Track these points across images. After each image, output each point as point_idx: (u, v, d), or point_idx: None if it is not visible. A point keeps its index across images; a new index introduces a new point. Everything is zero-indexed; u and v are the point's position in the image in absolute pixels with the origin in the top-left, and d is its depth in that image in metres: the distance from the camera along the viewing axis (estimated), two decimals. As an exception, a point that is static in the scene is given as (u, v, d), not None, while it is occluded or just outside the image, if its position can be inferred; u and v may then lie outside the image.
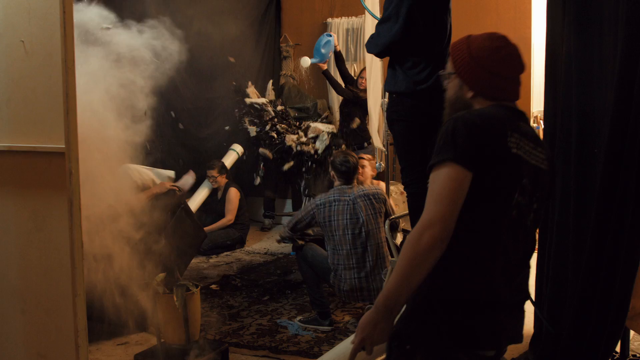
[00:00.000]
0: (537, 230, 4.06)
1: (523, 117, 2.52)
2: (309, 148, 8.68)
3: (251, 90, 9.01)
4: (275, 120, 8.82)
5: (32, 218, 3.41)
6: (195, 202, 8.33)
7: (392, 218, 5.16)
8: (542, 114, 4.48)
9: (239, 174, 9.05)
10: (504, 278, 2.38)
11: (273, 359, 4.77)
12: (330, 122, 9.01)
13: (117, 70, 6.62)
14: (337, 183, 5.55)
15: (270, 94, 9.23)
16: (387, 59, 4.55)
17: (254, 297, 6.18)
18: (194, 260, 7.58)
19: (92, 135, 4.98)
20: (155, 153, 7.72)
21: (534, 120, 7.98)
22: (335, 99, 9.10)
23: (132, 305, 4.90)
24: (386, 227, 4.91)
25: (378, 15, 6.25)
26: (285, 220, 9.33)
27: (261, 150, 8.90)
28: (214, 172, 8.28)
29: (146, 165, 6.84)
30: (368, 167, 6.68)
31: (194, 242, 5.97)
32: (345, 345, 4.03)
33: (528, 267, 2.53)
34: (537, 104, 7.85)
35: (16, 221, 3.49)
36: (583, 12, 3.87)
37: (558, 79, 4.14)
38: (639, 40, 3.37)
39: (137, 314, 5.05)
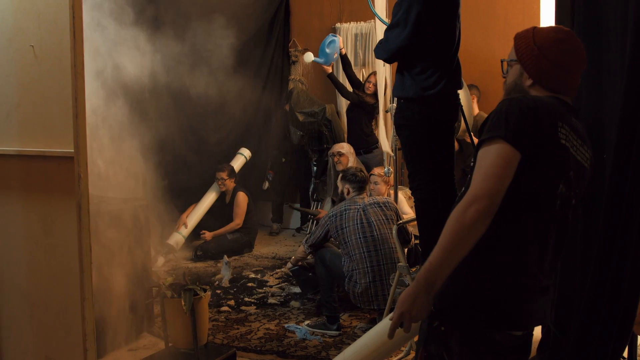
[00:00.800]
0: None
1: (575, 113, 2.54)
2: None
3: None
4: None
5: (41, 222, 3.43)
6: (203, 206, 8.35)
7: (400, 223, 5.19)
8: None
9: (247, 179, 9.06)
10: (539, 263, 2.42)
11: (280, 364, 4.79)
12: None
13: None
14: (348, 197, 5.70)
15: None
16: (395, 64, 4.55)
17: (262, 302, 6.19)
18: (201, 264, 7.61)
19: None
20: (165, 156, 7.76)
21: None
22: (344, 104, 9.10)
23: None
24: (394, 232, 4.94)
25: (386, 20, 6.26)
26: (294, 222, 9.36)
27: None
28: (224, 175, 8.28)
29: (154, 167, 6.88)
30: (381, 184, 6.69)
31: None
32: (386, 322, 4.02)
33: (561, 253, 2.55)
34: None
35: (25, 225, 3.50)
36: (591, 17, 3.87)
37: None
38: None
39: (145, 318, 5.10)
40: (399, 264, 4.76)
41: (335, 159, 7.91)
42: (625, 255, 3.52)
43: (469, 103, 7.57)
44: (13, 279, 3.56)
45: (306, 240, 5.76)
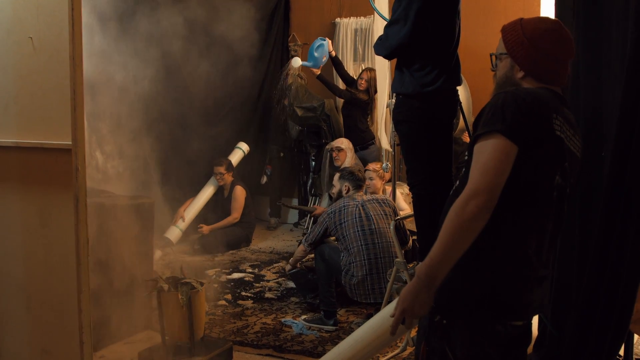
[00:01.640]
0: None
1: (566, 102, 2.56)
2: None
3: None
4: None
5: (38, 214, 3.42)
6: (200, 200, 8.34)
7: (397, 218, 5.21)
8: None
9: (245, 173, 9.06)
10: (538, 254, 2.44)
11: (277, 358, 4.78)
12: None
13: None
14: (347, 195, 5.77)
15: None
16: (394, 60, 4.55)
17: (259, 296, 6.20)
18: (199, 258, 7.61)
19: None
20: (162, 149, 7.76)
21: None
22: (341, 100, 9.11)
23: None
24: (391, 227, 4.97)
25: (386, 15, 6.25)
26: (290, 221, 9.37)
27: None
28: (222, 169, 8.28)
29: (151, 161, 6.88)
30: (376, 179, 6.72)
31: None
32: (381, 316, 4.03)
33: (557, 243, 2.57)
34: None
35: (22, 217, 3.50)
36: (592, 12, 3.86)
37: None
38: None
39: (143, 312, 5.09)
40: (397, 259, 4.76)
41: (334, 154, 7.91)
42: (622, 253, 3.52)
43: (469, 100, 7.58)
44: (10, 271, 3.56)
45: (305, 239, 5.77)
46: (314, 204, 8.89)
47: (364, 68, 8.60)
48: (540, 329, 4.36)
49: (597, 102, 3.84)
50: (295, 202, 9.66)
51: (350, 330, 5.21)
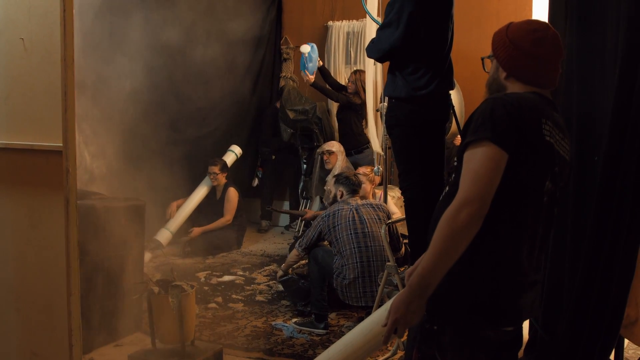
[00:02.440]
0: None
1: (554, 106, 2.56)
2: None
3: None
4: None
5: (28, 216, 3.41)
6: (192, 202, 8.31)
7: (389, 222, 5.21)
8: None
9: (237, 176, 9.05)
10: (529, 259, 2.44)
11: (267, 362, 4.78)
12: None
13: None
14: (341, 199, 5.79)
15: None
16: (386, 63, 4.55)
17: (250, 299, 6.19)
18: (189, 261, 7.59)
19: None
20: (153, 151, 7.75)
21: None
22: (335, 103, 9.12)
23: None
24: (382, 231, 4.98)
25: (378, 18, 6.25)
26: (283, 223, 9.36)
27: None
28: (216, 169, 8.26)
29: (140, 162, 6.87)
30: (366, 183, 6.73)
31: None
32: (371, 320, 4.02)
33: (548, 247, 2.57)
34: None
35: (12, 219, 3.48)
36: (585, 15, 3.87)
37: (558, 84, 4.14)
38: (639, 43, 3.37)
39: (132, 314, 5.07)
40: (388, 263, 4.77)
41: (325, 157, 7.91)
42: (613, 258, 3.53)
43: (461, 104, 7.59)
44: (-1, 273, 3.55)
45: (299, 244, 5.76)
46: (305, 206, 8.89)
47: (352, 71, 8.61)
48: (531, 333, 4.36)
49: (590, 106, 3.85)
50: (286, 204, 9.65)
51: (341, 334, 5.20)
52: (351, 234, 5.38)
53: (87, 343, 4.54)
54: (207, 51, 8.44)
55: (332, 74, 8.85)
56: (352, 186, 5.79)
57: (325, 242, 5.73)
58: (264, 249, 8.40)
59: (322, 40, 9.35)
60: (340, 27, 9.26)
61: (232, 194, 8.25)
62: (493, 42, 2.60)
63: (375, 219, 5.52)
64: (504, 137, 2.26)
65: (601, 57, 3.79)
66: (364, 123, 8.45)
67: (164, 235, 7.97)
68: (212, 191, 8.45)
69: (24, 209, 3.44)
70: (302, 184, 9.13)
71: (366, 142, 8.29)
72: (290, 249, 7.22)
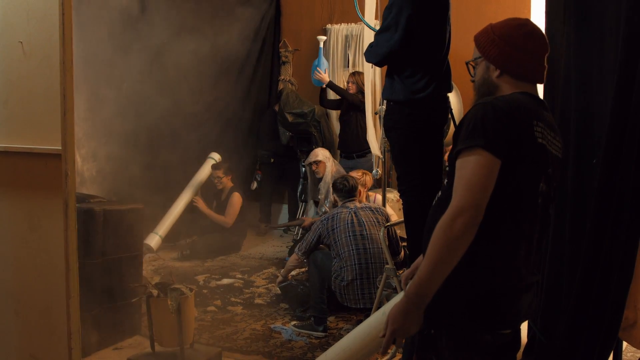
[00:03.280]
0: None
1: (544, 105, 2.56)
2: None
3: None
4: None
5: (27, 219, 3.41)
6: (179, 206, 8.28)
7: (388, 225, 5.22)
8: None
9: (235, 179, 9.06)
10: (526, 261, 2.45)
11: (266, 364, 4.78)
12: None
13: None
14: (340, 204, 5.82)
15: None
16: (384, 67, 4.55)
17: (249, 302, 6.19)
18: (188, 264, 7.59)
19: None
20: (146, 154, 7.77)
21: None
22: (333, 105, 9.14)
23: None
24: (381, 234, 4.99)
25: (376, 22, 6.25)
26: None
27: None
28: (219, 173, 8.27)
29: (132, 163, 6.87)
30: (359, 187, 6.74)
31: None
32: (368, 324, 4.02)
33: (544, 249, 2.58)
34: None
35: (11, 222, 3.48)
36: (583, 19, 3.87)
37: (556, 87, 4.14)
38: (638, 42, 3.37)
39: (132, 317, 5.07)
40: (387, 266, 4.77)
41: (314, 168, 7.91)
42: (612, 260, 3.53)
43: (460, 106, 7.59)
44: (-2, 276, 3.55)
45: (299, 248, 5.76)
46: (304, 209, 8.89)
47: (350, 72, 8.59)
48: (529, 336, 4.37)
49: (588, 107, 3.85)
50: (285, 207, 9.65)
51: (340, 337, 5.20)
52: (350, 236, 5.39)
53: (86, 346, 4.54)
54: (205, 54, 8.45)
55: (330, 77, 8.86)
56: (348, 192, 5.80)
57: (322, 246, 5.73)
58: (263, 252, 8.40)
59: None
60: (338, 30, 9.26)
61: (236, 199, 8.25)
62: (479, 43, 2.60)
63: (373, 221, 5.53)
64: (495, 144, 2.27)
65: (599, 59, 3.79)
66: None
67: (153, 240, 7.98)
68: (216, 195, 8.45)
69: (23, 212, 3.44)
70: (300, 187, 9.14)
71: (368, 145, 8.24)
72: (290, 253, 7.22)
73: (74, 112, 3.26)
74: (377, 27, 4.55)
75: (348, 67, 9.23)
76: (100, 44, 6.83)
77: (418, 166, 4.28)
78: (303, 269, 6.42)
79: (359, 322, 5.33)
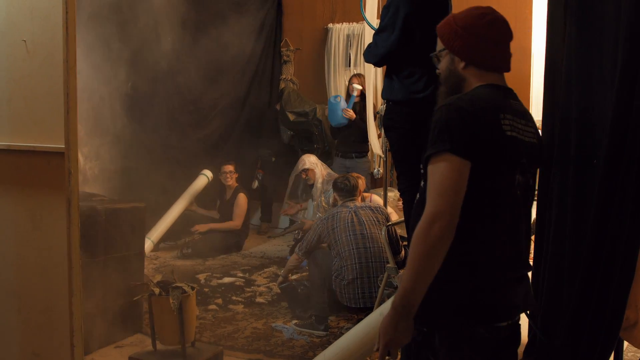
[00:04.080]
0: (533, 238, 4.07)
1: (512, 94, 2.56)
2: None
3: None
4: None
5: (30, 217, 3.42)
6: (174, 212, 8.25)
7: (389, 224, 5.22)
8: (541, 123, 4.48)
9: (237, 178, 9.07)
10: (513, 254, 2.47)
11: (267, 363, 4.78)
12: None
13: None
14: (340, 203, 5.83)
15: None
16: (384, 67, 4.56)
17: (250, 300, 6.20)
18: (189, 262, 7.59)
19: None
20: (148, 153, 7.77)
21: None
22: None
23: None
24: (383, 233, 4.99)
25: (375, 24, 6.25)
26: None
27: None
28: (231, 167, 8.28)
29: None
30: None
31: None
32: (366, 324, 4.04)
33: (529, 239, 2.59)
34: (535, 113, 7.82)
35: (14, 220, 3.49)
36: (584, 20, 3.87)
37: (557, 87, 4.14)
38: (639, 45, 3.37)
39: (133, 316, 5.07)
40: (388, 265, 4.78)
41: (304, 176, 7.91)
42: (613, 260, 3.53)
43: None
44: (1, 274, 3.55)
45: (299, 248, 5.76)
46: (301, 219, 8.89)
47: (354, 74, 8.56)
48: (530, 335, 4.37)
49: (589, 108, 3.85)
50: (285, 207, 9.65)
51: (340, 336, 5.20)
52: (350, 235, 5.39)
53: (88, 344, 4.55)
54: (207, 53, 8.46)
55: (332, 77, 8.87)
56: (347, 192, 5.81)
57: (323, 245, 5.74)
58: (264, 250, 8.41)
59: (321, 43, 9.36)
60: (340, 30, 9.26)
61: (242, 199, 8.25)
62: (442, 35, 2.58)
63: (374, 221, 5.53)
64: (463, 146, 2.27)
65: (600, 59, 3.79)
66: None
67: (145, 244, 7.96)
68: (221, 192, 8.44)
69: (26, 210, 3.45)
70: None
71: (368, 146, 8.20)
72: (291, 252, 7.22)
73: (77, 111, 3.27)
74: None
75: (349, 66, 9.23)
76: (103, 42, 6.83)
77: (417, 165, 4.29)
78: (305, 273, 6.44)
79: (360, 321, 5.35)
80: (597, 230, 3.61)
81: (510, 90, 2.57)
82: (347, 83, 8.59)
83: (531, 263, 4.31)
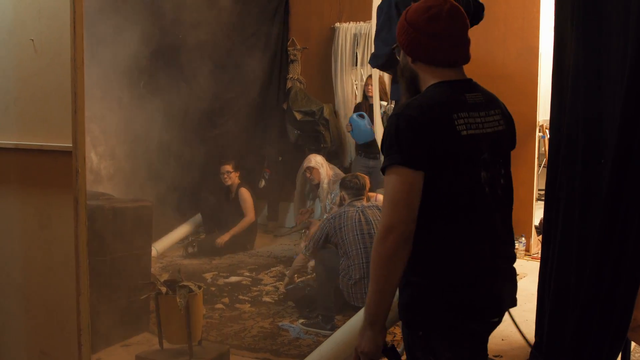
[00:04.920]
0: (540, 237, 4.07)
1: (468, 86, 2.52)
2: None
3: None
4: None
5: (37, 216, 3.43)
6: (176, 235, 8.27)
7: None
8: (548, 123, 4.48)
9: (244, 177, 9.08)
10: (495, 249, 2.48)
11: (274, 362, 4.79)
12: None
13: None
14: (345, 202, 5.83)
15: None
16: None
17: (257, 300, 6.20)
18: (196, 261, 7.60)
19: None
20: (158, 153, 7.79)
21: (539, 130, 7.97)
22: (342, 105, 9.12)
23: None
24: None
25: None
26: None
27: None
28: (229, 167, 8.24)
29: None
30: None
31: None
32: (361, 317, 4.06)
33: (511, 231, 2.61)
34: (543, 113, 7.85)
35: (21, 219, 3.50)
36: (592, 20, 3.86)
37: (565, 87, 4.13)
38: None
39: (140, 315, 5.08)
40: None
41: (308, 175, 7.88)
42: (621, 260, 3.52)
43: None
44: (9, 273, 3.56)
45: (306, 248, 5.76)
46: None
47: (369, 74, 8.52)
48: (537, 335, 4.36)
49: (596, 108, 3.84)
50: (292, 206, 9.64)
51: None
52: (357, 234, 5.39)
53: (95, 343, 4.56)
54: (216, 53, 8.46)
55: (339, 76, 8.86)
56: (354, 189, 5.80)
57: (330, 245, 5.74)
58: (271, 250, 8.41)
59: (328, 42, 9.35)
60: (347, 29, 9.25)
61: (245, 193, 8.22)
62: (397, 32, 2.54)
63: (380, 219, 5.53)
64: (412, 158, 2.27)
65: (609, 58, 3.78)
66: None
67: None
68: (225, 193, 8.43)
69: (33, 209, 3.45)
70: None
71: None
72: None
73: (84, 110, 3.27)
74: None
75: (356, 66, 9.21)
76: (118, 42, 6.85)
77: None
78: (310, 276, 6.44)
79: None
80: (605, 229, 3.60)
81: (467, 83, 2.53)
82: (354, 83, 8.57)
83: (538, 263, 4.33)
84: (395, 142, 2.29)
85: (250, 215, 8.19)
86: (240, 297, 6.29)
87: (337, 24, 9.31)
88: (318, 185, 7.81)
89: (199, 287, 4.49)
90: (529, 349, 4.41)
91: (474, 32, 5.27)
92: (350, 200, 5.75)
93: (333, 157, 8.78)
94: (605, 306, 3.62)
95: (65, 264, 3.32)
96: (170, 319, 4.40)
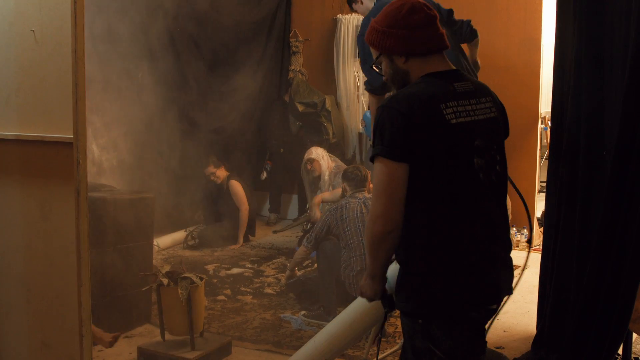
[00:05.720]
0: (542, 229, 4.08)
1: (456, 76, 2.55)
2: None
3: None
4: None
5: (39, 207, 3.42)
6: (169, 240, 8.14)
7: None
8: (550, 115, 4.47)
9: (246, 169, 9.06)
10: (491, 236, 2.51)
11: (276, 353, 4.78)
12: None
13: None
14: (347, 194, 5.81)
15: None
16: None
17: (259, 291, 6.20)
18: (198, 253, 7.61)
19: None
20: (160, 144, 7.78)
21: (541, 121, 7.96)
22: (344, 96, 9.11)
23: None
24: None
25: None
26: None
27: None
28: (211, 169, 8.18)
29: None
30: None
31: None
32: (353, 308, 4.08)
33: (507, 218, 2.63)
34: (545, 104, 7.84)
35: (23, 210, 3.49)
36: (594, 13, 3.86)
37: (567, 79, 4.13)
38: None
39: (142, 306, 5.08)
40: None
41: (309, 167, 7.87)
42: (623, 252, 3.52)
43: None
44: (10, 264, 3.56)
45: (307, 239, 5.76)
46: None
47: None
48: (539, 327, 4.37)
49: (598, 100, 3.84)
50: (294, 197, 9.64)
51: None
52: (359, 226, 5.39)
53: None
54: (217, 45, 8.44)
55: (341, 67, 8.85)
56: (355, 181, 5.79)
57: (331, 237, 5.73)
58: (273, 241, 8.41)
59: (331, 34, 9.33)
60: (349, 21, 9.23)
61: (235, 186, 8.14)
62: (373, 42, 2.58)
63: None
64: (395, 150, 2.31)
65: (609, 52, 3.78)
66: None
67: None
68: (216, 189, 8.38)
69: (35, 200, 3.45)
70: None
71: None
72: (299, 244, 7.21)
73: (85, 101, 3.26)
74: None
75: (358, 57, 9.20)
76: (119, 35, 6.84)
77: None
78: (310, 269, 6.44)
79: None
80: (607, 221, 3.61)
81: (454, 73, 2.56)
82: (356, 74, 8.58)
83: (539, 255, 4.33)
84: (379, 134, 2.36)
85: (243, 207, 8.14)
86: (242, 288, 6.30)
87: (339, 16, 9.29)
88: (319, 177, 7.79)
89: (201, 279, 4.49)
90: (531, 340, 4.42)
91: (476, 24, 5.27)
92: (352, 192, 5.74)
93: (335, 149, 8.77)
94: (607, 298, 3.63)
95: (66, 255, 3.31)
96: (172, 310, 4.41)
